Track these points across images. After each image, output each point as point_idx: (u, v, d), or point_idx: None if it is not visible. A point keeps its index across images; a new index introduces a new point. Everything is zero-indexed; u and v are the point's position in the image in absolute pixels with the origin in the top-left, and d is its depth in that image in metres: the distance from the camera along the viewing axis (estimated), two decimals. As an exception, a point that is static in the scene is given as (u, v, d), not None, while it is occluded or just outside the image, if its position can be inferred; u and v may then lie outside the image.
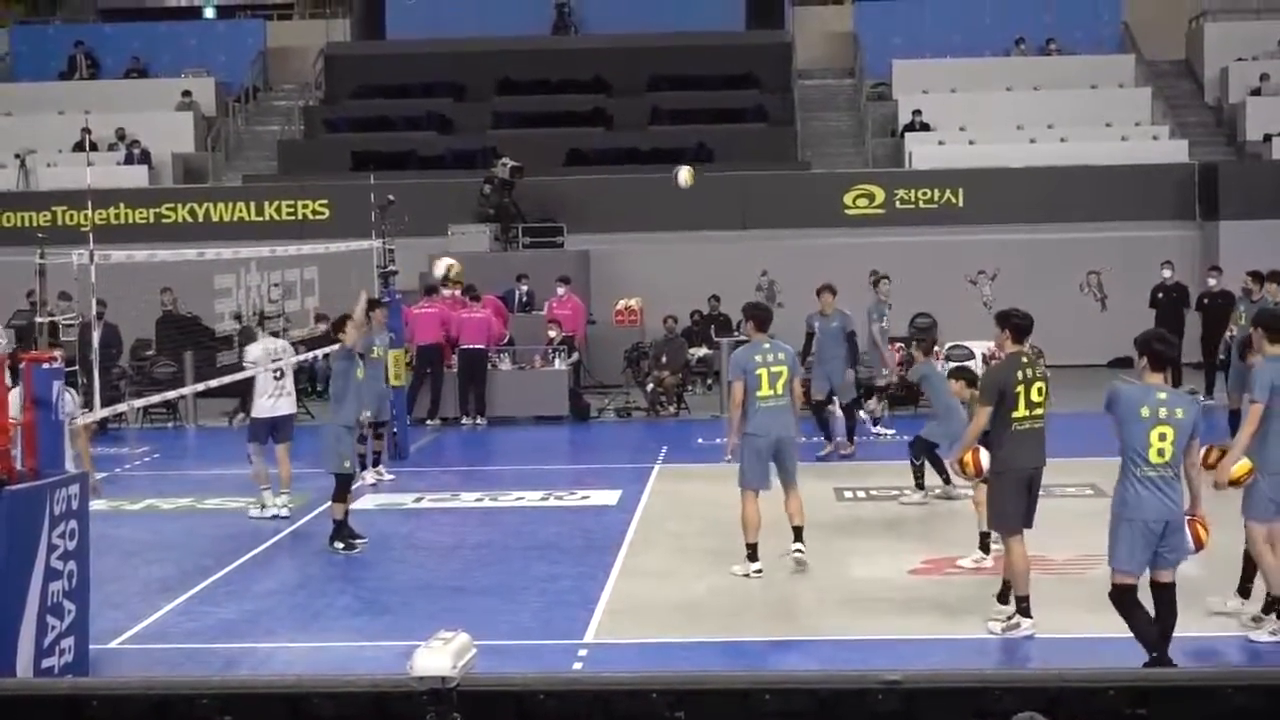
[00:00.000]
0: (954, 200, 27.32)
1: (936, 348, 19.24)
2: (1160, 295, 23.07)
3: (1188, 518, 9.32)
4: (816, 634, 10.99)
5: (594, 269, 26.65)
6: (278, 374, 15.33)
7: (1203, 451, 9.68)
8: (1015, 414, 10.57)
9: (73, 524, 9.34)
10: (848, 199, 27.46)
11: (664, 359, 23.15)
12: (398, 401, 19.01)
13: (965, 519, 13.32)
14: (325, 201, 27.47)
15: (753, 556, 12.56)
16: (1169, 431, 9.08)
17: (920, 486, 15.54)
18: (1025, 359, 10.77)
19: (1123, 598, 9.34)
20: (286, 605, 12.27)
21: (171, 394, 17.65)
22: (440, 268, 21.35)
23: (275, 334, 16.18)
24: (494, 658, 8.19)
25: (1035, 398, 10.63)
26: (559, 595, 12.21)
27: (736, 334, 24.64)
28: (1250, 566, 10.90)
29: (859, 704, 4.96)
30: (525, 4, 34.33)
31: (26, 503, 8.99)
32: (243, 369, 15.88)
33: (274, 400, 15.33)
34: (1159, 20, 33.14)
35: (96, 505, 11.19)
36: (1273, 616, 10.48)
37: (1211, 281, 22.93)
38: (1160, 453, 9.10)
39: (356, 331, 14.52)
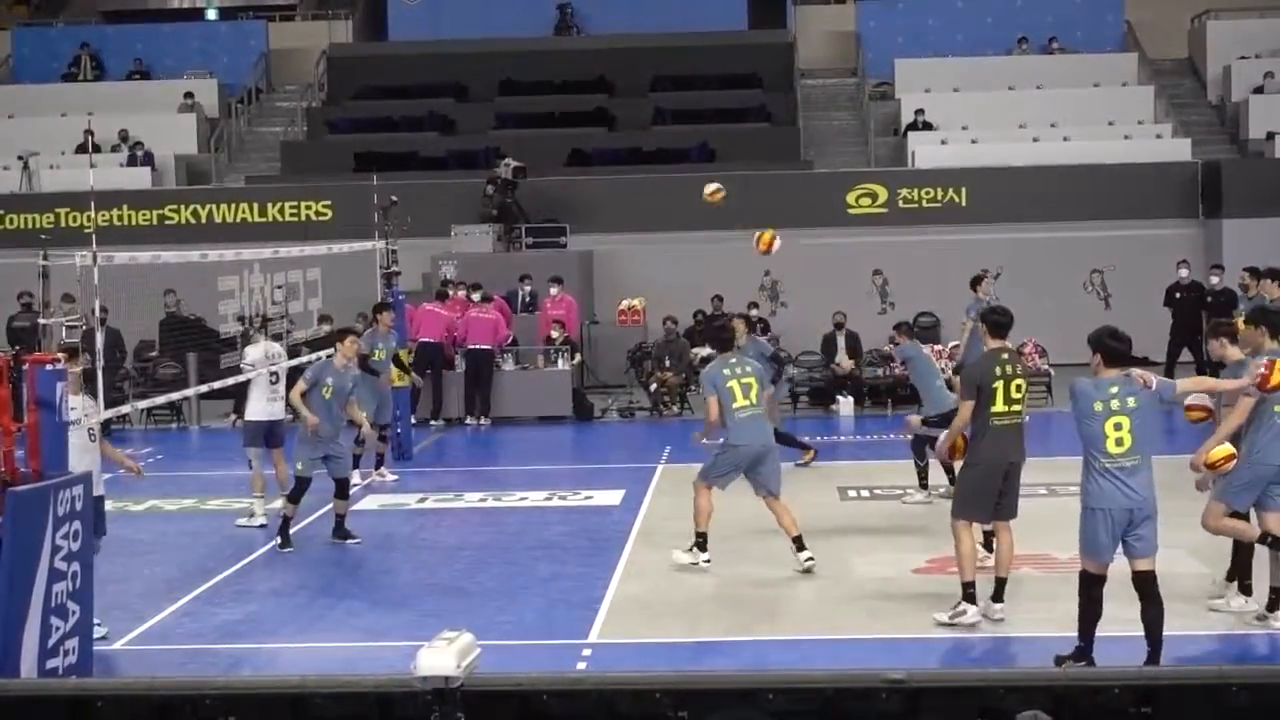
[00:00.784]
0: (957, 199, 27.30)
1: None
2: (1177, 295, 23.05)
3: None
4: (820, 633, 10.98)
5: (597, 269, 26.65)
6: (273, 378, 15.31)
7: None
8: (994, 409, 10.69)
9: (76, 525, 9.34)
10: (851, 198, 27.44)
11: (667, 359, 23.15)
12: (401, 402, 19.01)
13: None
14: (328, 202, 27.46)
15: (702, 546, 12.78)
16: (1124, 421, 9.29)
17: (924, 486, 15.54)
18: (1005, 355, 10.87)
19: (1089, 584, 9.53)
20: (290, 606, 12.28)
21: (175, 395, 17.66)
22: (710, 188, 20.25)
23: (277, 337, 16.14)
24: (498, 658, 8.19)
25: (1014, 394, 10.76)
26: (563, 595, 12.21)
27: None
28: (1244, 561, 10.92)
29: (863, 703, 4.97)
30: (527, 4, 34.32)
31: (30, 504, 9.00)
32: (241, 371, 15.89)
33: (270, 404, 15.29)
34: (1162, 19, 33.10)
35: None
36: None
37: (1214, 279, 22.91)
38: (1118, 442, 9.30)
39: (345, 358, 14.47)
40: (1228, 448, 10.23)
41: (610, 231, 26.81)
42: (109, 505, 14.16)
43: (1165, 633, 9.53)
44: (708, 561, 12.76)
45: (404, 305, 19.81)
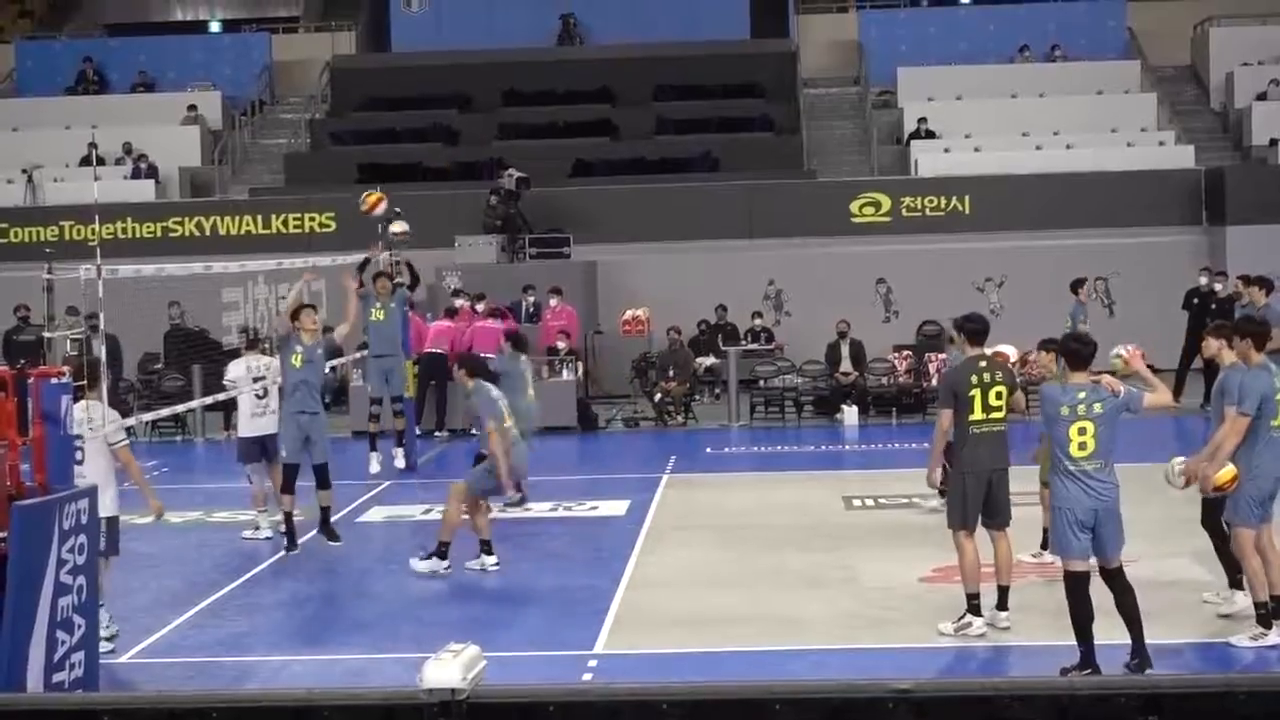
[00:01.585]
0: (960, 207, 27.32)
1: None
2: (1196, 301, 23.03)
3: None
4: (826, 643, 10.97)
5: (601, 279, 26.67)
6: (261, 392, 15.25)
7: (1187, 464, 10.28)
8: (972, 417, 10.71)
9: (82, 538, 9.33)
10: (854, 207, 27.46)
11: (671, 369, 23.15)
12: (407, 413, 19.02)
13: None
14: (332, 214, 27.49)
15: (442, 555, 13.25)
16: (1089, 426, 9.50)
17: (942, 494, 15.47)
18: (983, 363, 10.85)
19: (1074, 584, 9.67)
20: (296, 618, 12.28)
21: (180, 407, 17.67)
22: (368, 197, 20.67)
23: (265, 351, 16.09)
24: (503, 669, 8.18)
25: (994, 401, 10.76)
26: (568, 606, 12.21)
27: (745, 342, 24.68)
28: (1234, 562, 10.92)
29: (869, 713, 4.95)
30: (530, 15, 34.40)
31: (36, 518, 9.00)
32: (225, 389, 15.92)
33: (258, 420, 15.23)
34: (1164, 26, 33.15)
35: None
36: (1253, 621, 10.48)
37: (1218, 286, 22.91)
38: (1081, 446, 9.50)
39: (282, 324, 14.78)
40: (1232, 469, 10.22)
41: (614, 241, 26.82)
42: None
43: (1173, 640, 9.55)
44: (447, 569, 13.18)
45: (408, 315, 19.82)
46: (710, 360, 24.85)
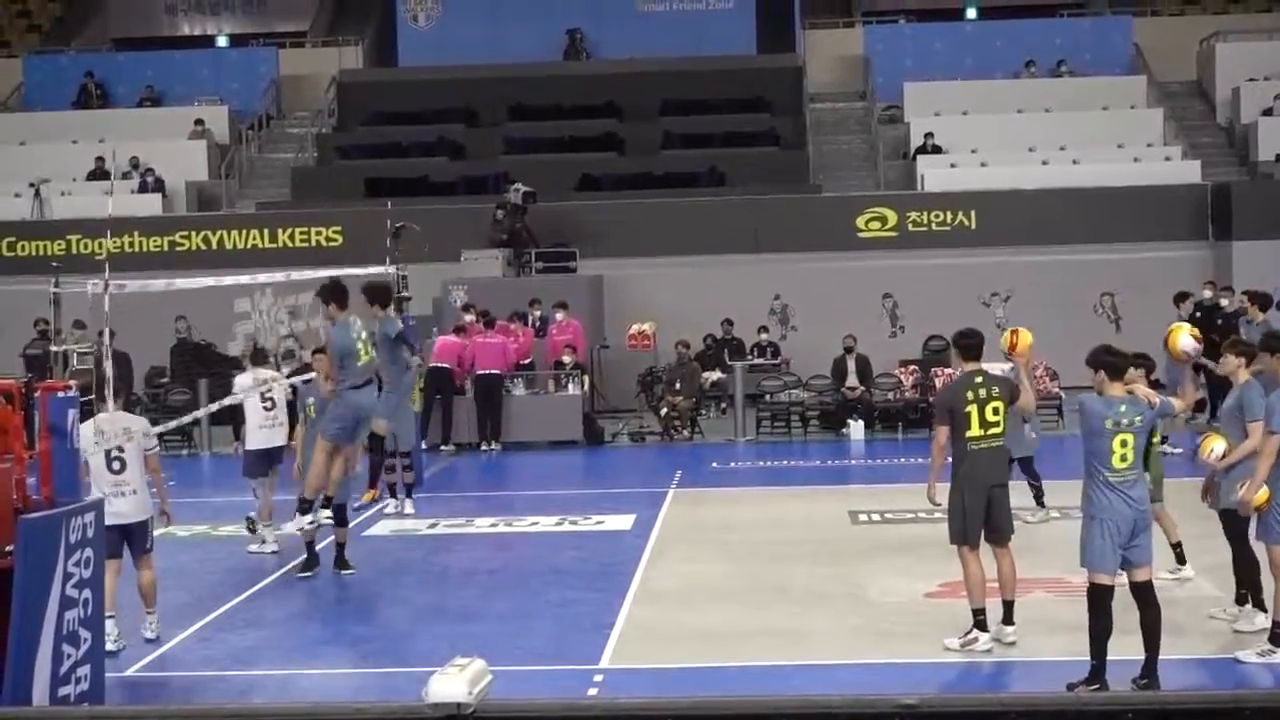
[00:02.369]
0: (966, 222, 27.32)
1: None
2: (1199, 315, 23.00)
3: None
4: (832, 658, 10.95)
5: (607, 293, 26.68)
6: (268, 404, 15.26)
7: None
8: (969, 433, 10.68)
9: (88, 552, 9.34)
10: (860, 222, 27.47)
11: (678, 383, 23.15)
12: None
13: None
14: (339, 228, 27.53)
15: (310, 565, 13.80)
16: (1129, 438, 9.58)
17: (1041, 504, 15.49)
18: (979, 379, 10.80)
19: (1098, 598, 9.62)
20: (302, 632, 12.28)
21: (186, 418, 17.66)
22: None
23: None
24: (509, 684, 8.18)
25: (990, 417, 10.72)
26: (574, 620, 12.19)
27: (749, 357, 24.67)
28: (1253, 580, 10.91)
29: (876, 728, 4.95)
30: (537, 30, 34.45)
31: (42, 531, 9.01)
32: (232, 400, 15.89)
33: (265, 431, 15.25)
34: (1170, 41, 33.15)
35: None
36: (1265, 638, 10.46)
37: (1224, 301, 22.90)
38: (1123, 458, 9.56)
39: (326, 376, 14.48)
40: (1267, 490, 10.23)
41: (620, 256, 26.84)
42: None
43: (1181, 656, 9.53)
44: (312, 525, 13.72)
45: (415, 330, 19.80)
46: (716, 375, 24.84)
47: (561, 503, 17.63)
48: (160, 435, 20.46)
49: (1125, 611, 9.81)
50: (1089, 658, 9.59)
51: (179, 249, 27.86)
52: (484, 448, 22.13)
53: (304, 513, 13.53)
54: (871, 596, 12.68)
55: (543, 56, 34.07)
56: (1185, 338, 10.96)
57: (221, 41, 37.05)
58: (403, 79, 34.08)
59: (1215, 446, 10.70)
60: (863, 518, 16.16)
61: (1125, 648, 9.73)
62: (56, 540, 9.07)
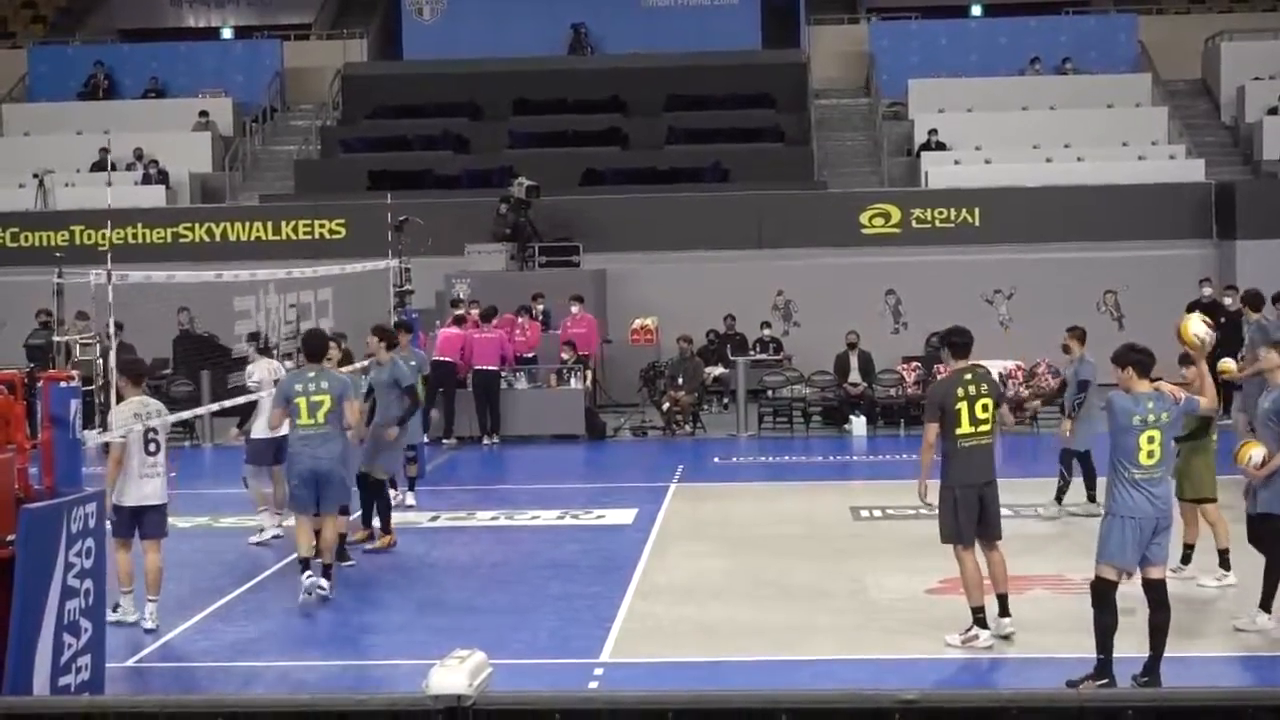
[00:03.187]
0: (970, 219, 27.30)
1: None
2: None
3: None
4: (833, 653, 10.95)
5: (610, 288, 26.68)
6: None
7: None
8: (959, 431, 10.68)
9: (89, 542, 9.34)
10: (864, 218, 27.45)
11: (680, 378, 23.14)
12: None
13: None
14: (342, 221, 27.53)
15: (341, 557, 13.57)
16: (1157, 435, 9.58)
17: (1060, 501, 15.53)
18: (969, 376, 10.82)
19: (1103, 591, 9.60)
20: (302, 624, 12.28)
21: (187, 414, 17.65)
22: None
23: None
24: (510, 676, 8.18)
25: (980, 414, 10.72)
26: (575, 614, 12.20)
27: (752, 353, 24.67)
28: (1271, 584, 10.90)
29: (876, 723, 4.95)
30: (541, 24, 34.44)
31: (44, 521, 9.01)
32: (249, 390, 15.87)
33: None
34: (1175, 40, 33.13)
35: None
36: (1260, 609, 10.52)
37: (1227, 300, 22.87)
38: (1150, 454, 9.55)
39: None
40: None
41: (623, 250, 26.84)
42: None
43: (1187, 654, 9.55)
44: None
45: (418, 324, 19.81)
46: (719, 370, 24.84)
47: (563, 497, 17.63)
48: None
49: (1126, 610, 9.81)
50: (1093, 654, 9.58)
51: (182, 241, 27.86)
52: (484, 441, 22.13)
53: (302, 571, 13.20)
54: (872, 592, 12.69)
55: (547, 51, 34.06)
56: (1197, 322, 10.94)
57: (226, 33, 37.05)
58: (407, 72, 34.07)
59: (1254, 454, 10.64)
60: (864, 514, 16.16)
61: (1125, 646, 9.72)
62: (58, 530, 9.07)
